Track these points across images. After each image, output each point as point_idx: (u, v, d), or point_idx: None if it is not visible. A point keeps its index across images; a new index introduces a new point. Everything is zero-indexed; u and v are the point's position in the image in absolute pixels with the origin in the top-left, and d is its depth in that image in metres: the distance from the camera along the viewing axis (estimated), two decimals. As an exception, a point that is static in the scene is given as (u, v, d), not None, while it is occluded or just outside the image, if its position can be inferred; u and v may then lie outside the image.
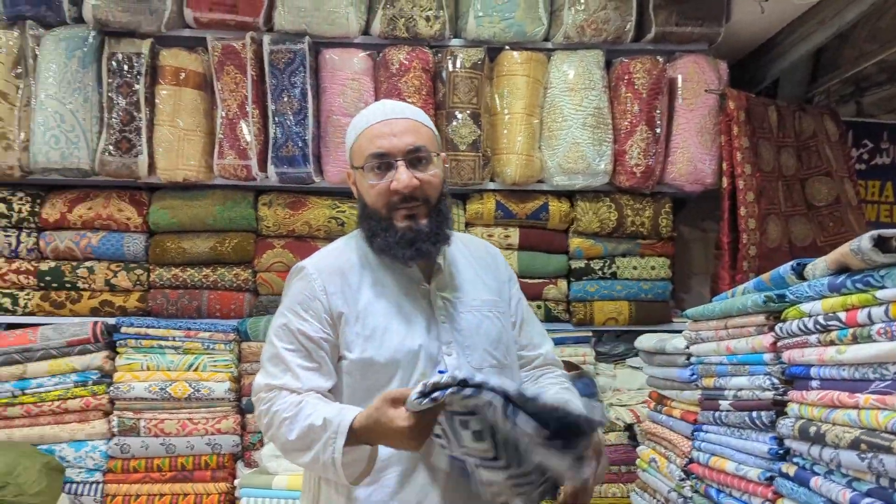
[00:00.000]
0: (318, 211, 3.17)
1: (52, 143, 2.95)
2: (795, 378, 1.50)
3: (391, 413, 1.27)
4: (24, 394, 2.89)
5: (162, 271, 3.11)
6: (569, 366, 3.02)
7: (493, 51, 3.24)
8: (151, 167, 3.05)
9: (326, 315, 1.49)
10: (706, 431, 1.83)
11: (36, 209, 3.08)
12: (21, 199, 3.08)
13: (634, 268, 3.30)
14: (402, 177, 1.47)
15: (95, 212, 3.08)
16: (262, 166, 3.09)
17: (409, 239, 1.47)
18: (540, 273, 3.28)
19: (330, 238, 3.19)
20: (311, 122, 3.07)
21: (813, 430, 1.38)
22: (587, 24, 3.17)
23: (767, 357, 1.57)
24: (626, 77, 3.20)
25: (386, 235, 1.49)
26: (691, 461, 1.88)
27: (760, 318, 1.60)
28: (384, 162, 1.48)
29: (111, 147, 3.00)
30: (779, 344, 1.54)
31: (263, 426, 1.48)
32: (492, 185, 3.27)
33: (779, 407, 1.54)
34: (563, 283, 3.30)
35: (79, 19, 3.02)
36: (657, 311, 3.30)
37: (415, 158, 1.49)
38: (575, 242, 3.30)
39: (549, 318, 3.28)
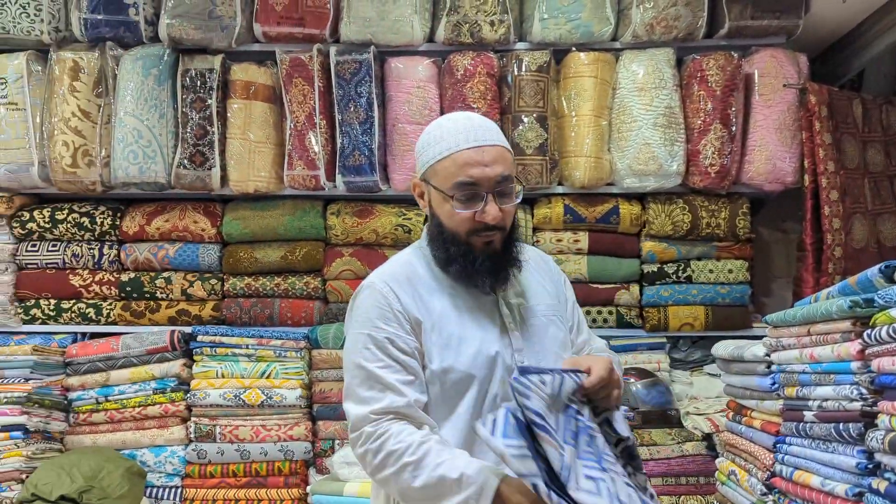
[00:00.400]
0: (385, 219, 3.20)
1: (130, 158, 3.07)
2: (886, 388, 1.41)
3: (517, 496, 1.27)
4: (107, 400, 3.02)
5: (235, 280, 3.19)
6: (642, 373, 2.95)
7: (560, 53, 3.20)
8: (224, 179, 3.14)
9: (407, 323, 1.49)
10: (789, 444, 1.74)
11: (117, 222, 3.21)
12: (103, 213, 3.22)
13: (710, 271, 3.19)
14: (492, 210, 1.47)
15: (172, 224, 3.19)
16: (330, 176, 3.13)
17: (488, 268, 1.49)
18: (611, 278, 3.22)
19: (397, 246, 3.22)
20: (378, 130, 3.10)
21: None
22: (657, 21, 3.10)
23: (855, 365, 1.48)
24: (698, 74, 3.11)
25: (465, 262, 1.49)
26: (773, 475, 1.79)
27: (846, 324, 1.51)
28: (473, 190, 1.47)
29: (186, 161, 3.10)
30: (867, 352, 1.45)
31: (371, 466, 1.43)
32: (560, 189, 3.22)
33: (868, 419, 1.45)
34: (635, 288, 3.22)
35: (155, 38, 3.14)
36: (736, 316, 3.18)
37: (502, 190, 1.49)
38: (647, 246, 3.21)
39: (621, 324, 3.20)
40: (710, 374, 3.09)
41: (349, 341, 1.53)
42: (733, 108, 3.09)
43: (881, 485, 1.39)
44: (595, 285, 3.21)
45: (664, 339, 3.20)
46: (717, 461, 2.28)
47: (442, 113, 3.16)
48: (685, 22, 3.11)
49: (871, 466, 1.44)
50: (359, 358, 1.48)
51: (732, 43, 3.16)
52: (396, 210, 3.23)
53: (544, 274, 1.66)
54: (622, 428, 1.42)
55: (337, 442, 3.02)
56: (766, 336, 1.87)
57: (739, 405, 2.05)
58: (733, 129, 3.09)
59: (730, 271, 3.19)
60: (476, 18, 3.12)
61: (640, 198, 3.25)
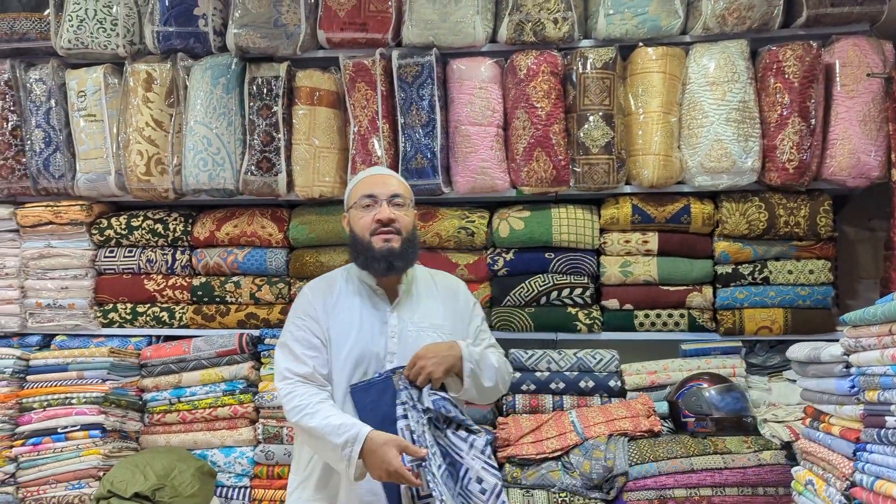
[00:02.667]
0: (448, 222, 3.21)
1: (200, 165, 3.19)
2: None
3: (391, 455, 1.79)
4: (179, 401, 3.14)
5: (302, 284, 3.26)
6: (715, 378, 2.87)
7: (626, 49, 3.16)
8: (290, 185, 3.23)
9: (317, 319, 2.09)
10: (871, 451, 1.66)
11: (188, 228, 3.34)
12: (175, 219, 3.35)
13: (790, 272, 3.08)
14: (384, 211, 2.07)
15: (241, 229, 3.30)
16: (393, 179, 3.17)
17: (384, 256, 2.05)
18: (682, 280, 3.14)
19: (460, 249, 3.24)
20: (440, 133, 3.12)
21: None
22: (728, 12, 3.02)
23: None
24: (774, 66, 3.01)
25: (367, 254, 2.07)
26: (853, 484, 1.71)
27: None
28: (372, 201, 2.08)
29: (253, 167, 3.20)
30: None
31: (286, 412, 2.02)
32: (628, 189, 3.17)
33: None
34: (708, 290, 3.14)
35: (223, 48, 3.26)
36: (818, 318, 3.06)
37: (395, 203, 2.09)
38: (721, 246, 3.13)
39: (693, 327, 3.12)
40: (789, 379, 2.97)
41: (285, 327, 2.15)
42: (812, 101, 2.98)
43: (971, 495, 1.31)
44: (665, 287, 3.15)
45: (740, 344, 3.10)
46: (793, 470, 2.19)
47: (505, 114, 3.17)
48: (759, 12, 3.02)
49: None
50: (284, 338, 2.11)
51: (811, 32, 3.05)
52: (459, 213, 3.25)
53: (446, 300, 2.20)
54: (426, 401, 1.91)
55: (401, 445, 3.04)
56: (842, 336, 1.79)
57: (817, 410, 1.96)
58: (813, 122, 2.98)
59: (811, 272, 3.07)
60: (539, 17, 3.11)
61: (713, 196, 3.17)
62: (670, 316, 3.14)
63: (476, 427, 1.95)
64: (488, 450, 1.91)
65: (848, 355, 1.76)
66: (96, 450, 2.97)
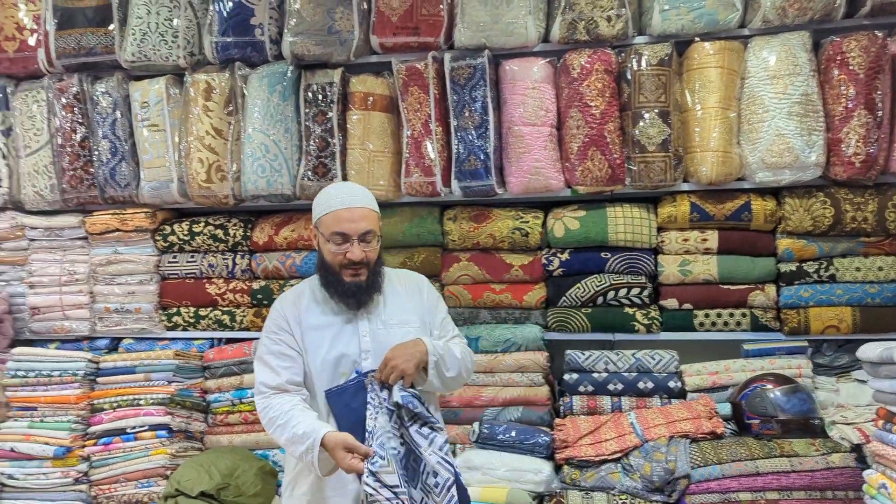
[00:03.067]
0: (502, 223, 3.22)
1: (259, 172, 3.27)
2: None
3: (339, 456, 1.95)
4: (241, 402, 3.22)
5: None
6: (780, 379, 2.81)
7: (682, 44, 3.12)
8: (345, 189, 3.27)
9: (289, 331, 2.20)
10: (947, 453, 1.61)
11: (247, 233, 3.43)
12: (235, 224, 3.45)
13: (857, 269, 2.99)
14: (356, 252, 2.15)
15: (298, 233, 3.37)
16: (447, 181, 3.20)
17: (352, 291, 2.16)
18: (743, 278, 3.09)
19: (514, 250, 3.25)
20: (493, 134, 3.13)
21: None
22: (789, 4, 2.95)
23: None
24: (838, 58, 2.93)
25: (337, 286, 2.18)
26: (930, 488, 1.66)
27: None
28: (342, 238, 2.15)
29: (309, 172, 3.27)
30: None
31: (263, 424, 2.16)
32: (685, 186, 3.13)
33: None
34: (771, 289, 3.07)
35: (279, 56, 3.34)
36: (888, 317, 2.97)
37: (364, 240, 2.16)
38: (784, 243, 3.06)
39: (755, 327, 3.06)
40: (858, 380, 2.89)
41: (260, 342, 2.26)
42: (879, 92, 2.89)
43: None
44: (726, 286, 3.10)
45: (805, 343, 3.03)
46: (864, 473, 2.13)
47: (558, 113, 3.16)
48: (821, 2, 2.94)
49: None
50: (260, 351, 2.23)
51: (876, 22, 2.96)
52: (513, 213, 3.25)
53: (411, 295, 2.31)
54: (396, 397, 2.03)
55: (458, 446, 3.06)
56: (917, 335, 1.74)
57: (889, 412, 1.91)
58: (879, 114, 2.89)
59: (880, 269, 2.98)
60: (592, 15, 3.10)
61: (775, 192, 3.10)
62: (731, 315, 3.09)
63: (439, 425, 2.11)
64: (446, 447, 2.04)
65: (922, 354, 1.71)
66: (163, 449, 3.07)
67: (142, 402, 3.12)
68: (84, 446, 3.13)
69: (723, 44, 3.03)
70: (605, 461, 2.78)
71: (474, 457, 2.87)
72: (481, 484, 2.79)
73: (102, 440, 3.11)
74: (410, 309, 2.29)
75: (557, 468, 2.86)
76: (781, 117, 2.96)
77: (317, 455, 1.98)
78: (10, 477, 3.07)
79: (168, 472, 3.04)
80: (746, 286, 3.08)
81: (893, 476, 1.86)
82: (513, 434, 2.90)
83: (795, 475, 2.57)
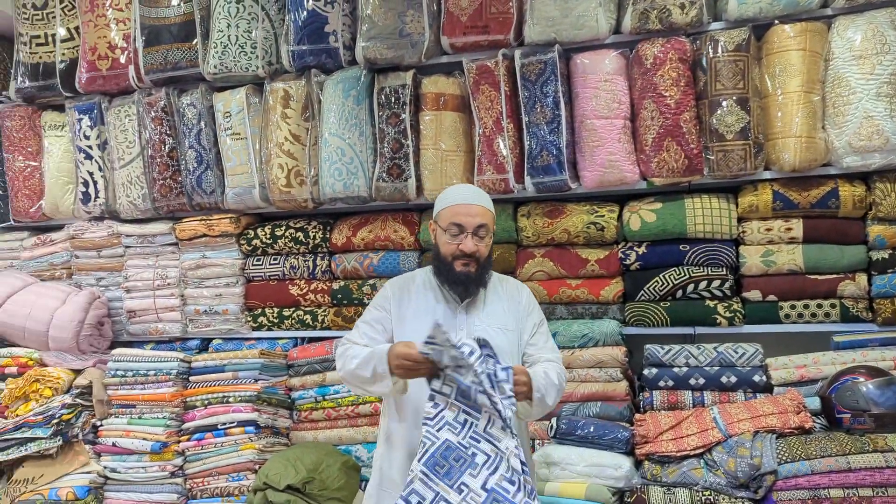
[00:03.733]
0: (577, 217, 3.25)
1: (335, 175, 3.41)
2: None
3: (401, 346, 2.13)
4: (324, 399, 3.36)
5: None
6: (874, 371, 2.72)
7: (760, 28, 3.08)
8: (419, 189, 3.38)
9: (389, 311, 2.42)
10: None
11: (327, 235, 3.57)
12: (315, 227, 3.60)
13: (956, 255, 2.87)
14: (469, 243, 2.33)
15: (375, 234, 3.49)
16: (519, 178, 3.26)
17: (462, 280, 2.35)
18: (832, 268, 3.02)
19: (590, 244, 3.28)
20: (565, 129, 3.17)
21: None
22: (875, -20, 2.87)
23: None
24: (930, 33, 2.83)
25: (448, 274, 2.37)
26: None
27: None
28: (459, 230, 2.34)
29: (384, 174, 3.38)
30: None
31: (338, 365, 2.35)
32: (767, 175, 3.09)
33: None
34: (862, 278, 2.99)
35: (352, 62, 3.48)
36: None
37: (478, 235, 2.34)
38: (875, 230, 2.98)
39: (846, 318, 2.99)
40: (959, 372, 2.77)
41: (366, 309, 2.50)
42: (976, 67, 2.77)
43: None
44: (813, 276, 3.03)
45: (901, 334, 2.92)
46: None
47: (632, 105, 3.17)
48: (908, -24, 2.85)
49: None
50: (359, 320, 2.46)
51: (968, -9, 2.84)
52: (588, 208, 3.27)
53: (511, 301, 2.46)
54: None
55: (537, 442, 3.10)
56: None
57: None
58: (977, 90, 2.77)
59: (981, 254, 2.85)
60: (664, 3, 3.09)
61: (864, 177, 3.02)
62: (819, 306, 3.02)
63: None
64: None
65: None
66: (252, 445, 3.24)
67: (231, 399, 3.30)
68: (179, 441, 3.33)
69: (804, 25, 2.97)
70: (686, 457, 2.76)
71: (553, 452, 2.90)
72: (560, 479, 2.82)
73: (195, 436, 3.31)
74: (509, 313, 2.44)
75: (637, 464, 2.86)
76: (869, 98, 2.88)
77: (385, 363, 2.15)
78: (113, 471, 3.31)
79: (256, 467, 3.20)
80: (835, 276, 3.01)
81: None
82: (591, 429, 2.92)
83: (890, 471, 2.49)
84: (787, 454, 2.62)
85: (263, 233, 3.65)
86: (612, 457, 2.85)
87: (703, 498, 2.64)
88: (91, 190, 3.86)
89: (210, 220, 3.67)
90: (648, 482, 2.76)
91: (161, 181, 3.74)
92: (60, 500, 3.20)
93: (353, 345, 2.34)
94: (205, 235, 3.68)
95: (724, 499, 2.63)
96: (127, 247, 3.84)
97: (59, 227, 4.00)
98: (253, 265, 3.69)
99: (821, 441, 2.63)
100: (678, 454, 2.77)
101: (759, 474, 2.61)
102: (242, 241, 3.69)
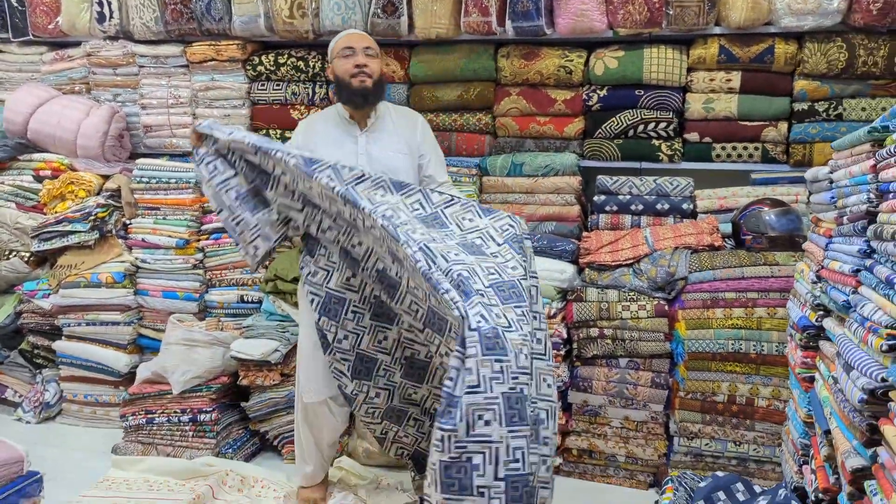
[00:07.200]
0: (549, 61, 4.00)
1: (335, 9, 4.09)
2: (885, 193, 2.08)
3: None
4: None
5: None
6: (775, 203, 3.60)
7: None
8: (410, 26, 4.08)
9: (304, 140, 3.17)
10: (833, 242, 2.45)
11: (324, 66, 4.29)
12: (314, 57, 4.32)
13: (863, 109, 3.69)
14: (360, 58, 3.09)
15: (369, 66, 4.22)
16: (501, 21, 3.96)
17: (360, 93, 3.09)
18: (760, 115, 3.82)
19: (559, 86, 4.04)
20: (543, -23, 3.83)
21: (884, 230, 1.99)
22: None
23: (869, 177, 2.15)
24: None
25: (348, 90, 3.09)
26: (822, 268, 2.52)
27: (866, 147, 2.17)
28: (350, 51, 3.10)
29: (379, 10, 4.06)
30: (878, 166, 2.11)
31: None
32: (717, 30, 3.81)
33: (872, 216, 2.13)
34: (783, 126, 3.81)
35: None
36: (884, 154, 3.67)
37: (367, 53, 3.11)
38: (800, 85, 3.75)
39: (765, 159, 3.85)
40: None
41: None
42: (900, -57, 3.44)
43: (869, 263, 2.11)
44: (743, 122, 3.84)
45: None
46: (797, 264, 2.99)
47: (606, -43, 3.84)
48: None
49: (867, 251, 2.14)
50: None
51: None
52: (560, 52, 4.01)
53: (406, 128, 3.22)
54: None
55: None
56: (830, 159, 2.53)
57: (818, 218, 2.72)
58: (898, -35, 3.45)
59: (883, 109, 3.65)
60: None
61: (798, 37, 3.75)
62: (745, 148, 3.86)
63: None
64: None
65: (832, 173, 2.50)
66: (262, 244, 4.14)
67: (242, 206, 4.17)
68: (199, 240, 4.24)
69: None
70: (619, 266, 3.71)
71: (512, 259, 3.83)
72: (516, 279, 3.77)
73: (213, 236, 4.21)
74: (403, 139, 3.20)
75: (580, 271, 3.81)
76: (812, -36, 3.55)
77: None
78: (144, 261, 4.23)
79: (267, 262, 4.13)
80: (761, 123, 3.82)
81: (808, 262, 2.72)
82: (545, 242, 3.84)
83: (773, 279, 3.44)
84: (696, 265, 3.56)
85: (267, 60, 4.36)
86: (560, 264, 3.78)
87: (628, 297, 3.60)
88: (106, 10, 4.50)
89: (218, 45, 4.37)
90: (587, 284, 3.71)
91: (172, 6, 4.38)
92: (101, 282, 4.15)
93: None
94: (213, 59, 4.39)
95: (644, 298, 3.59)
96: (141, 66, 4.56)
97: (76, 44, 4.69)
98: (258, 89, 4.43)
99: (725, 256, 3.56)
100: (613, 264, 3.72)
101: (674, 280, 3.56)
102: (248, 67, 4.41)
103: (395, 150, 3.17)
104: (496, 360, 2.21)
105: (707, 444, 3.48)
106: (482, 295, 2.34)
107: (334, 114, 3.23)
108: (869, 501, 1.80)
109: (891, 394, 1.75)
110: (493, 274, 2.46)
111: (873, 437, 1.84)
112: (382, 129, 3.19)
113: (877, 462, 1.79)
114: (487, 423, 2.19)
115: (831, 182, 2.53)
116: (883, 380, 1.80)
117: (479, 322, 2.24)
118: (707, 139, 3.91)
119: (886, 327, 1.83)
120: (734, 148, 3.88)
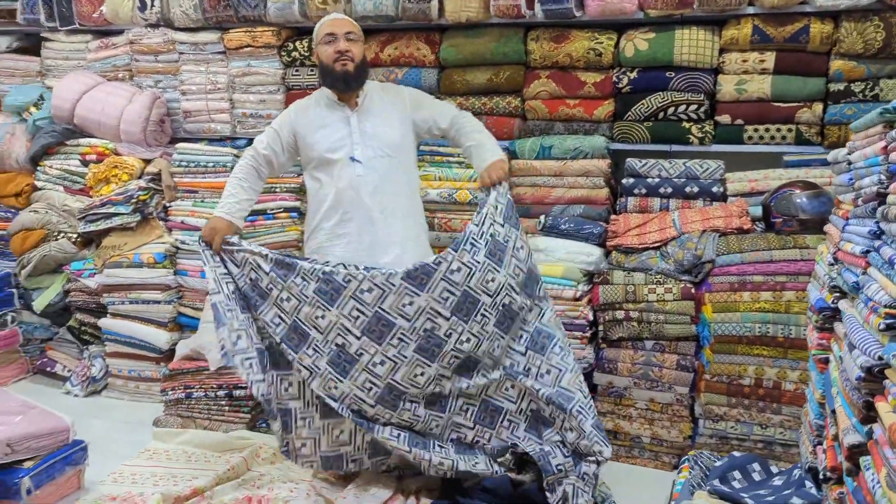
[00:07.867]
0: (579, 43, 4.04)
1: (367, -5, 4.20)
2: (895, 175, 2.10)
3: (218, 223, 3.27)
4: (355, 192, 4.36)
5: (450, 100, 4.28)
6: (807, 185, 3.61)
7: None
8: (441, 10, 4.17)
9: (282, 129, 3.41)
10: (849, 224, 2.48)
11: (358, 50, 4.40)
12: (348, 42, 4.42)
13: (900, 89, 3.65)
14: (342, 43, 3.28)
15: (400, 51, 4.33)
16: (530, 4, 4.02)
17: (343, 77, 3.30)
18: (794, 97, 3.81)
19: (589, 68, 4.09)
20: (573, -40, 3.88)
21: (891, 212, 2.03)
22: None
23: (880, 158, 2.18)
24: None
25: (332, 75, 3.30)
26: (838, 250, 2.54)
27: (879, 128, 2.19)
28: (332, 37, 3.29)
29: (411, -5, 4.16)
30: (888, 147, 2.14)
31: (241, 157, 3.53)
32: (750, 10, 3.80)
33: (882, 198, 2.16)
34: (818, 107, 3.79)
35: None
36: (921, 135, 3.64)
37: (349, 38, 3.29)
38: (836, 65, 3.73)
39: (799, 140, 3.84)
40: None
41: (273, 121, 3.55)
42: (939, -82, 3.40)
43: (877, 244, 2.14)
44: (777, 104, 3.83)
45: (840, 157, 3.77)
46: (818, 246, 3.01)
47: (638, -63, 3.87)
48: None
49: (877, 232, 2.17)
50: (268, 126, 3.46)
51: None
52: (589, 34, 4.06)
53: (394, 102, 3.42)
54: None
55: (529, 235, 4.09)
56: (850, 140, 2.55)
57: (839, 200, 2.74)
58: (937, -60, 3.41)
59: (921, 89, 3.62)
60: None
61: (834, 16, 3.72)
62: (778, 130, 3.85)
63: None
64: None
65: (850, 154, 2.52)
66: (295, 227, 4.31)
67: (277, 189, 4.33)
68: (235, 222, 4.40)
69: None
70: (646, 248, 3.76)
71: (540, 242, 3.91)
72: (543, 263, 3.84)
73: (249, 218, 4.32)
74: (394, 113, 3.40)
75: (607, 254, 3.86)
76: (849, -58, 3.53)
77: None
78: (183, 242, 4.42)
79: (299, 245, 4.28)
80: (796, 104, 3.81)
81: (828, 244, 2.75)
82: (572, 225, 3.91)
83: (802, 262, 3.45)
84: (724, 248, 3.59)
85: (301, 45, 4.50)
86: (587, 247, 3.85)
87: (655, 280, 3.65)
88: (147, -1, 4.70)
89: (254, 31, 4.52)
90: (613, 267, 3.77)
91: (210, -6, 4.55)
92: (143, 262, 4.35)
93: (250, 160, 3.41)
94: (249, 46, 4.55)
95: (670, 280, 3.63)
96: (181, 53, 4.73)
97: (120, 32, 4.89)
98: (292, 75, 4.57)
99: (754, 239, 3.59)
100: (640, 247, 3.77)
101: (701, 262, 3.60)
102: (283, 53, 4.55)
103: (388, 125, 3.38)
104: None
105: (732, 427, 3.52)
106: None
107: (324, 97, 3.42)
108: (863, 477, 1.85)
109: (887, 371, 1.80)
110: (523, 335, 3.16)
111: (870, 414, 1.88)
112: (371, 106, 3.40)
113: (872, 438, 1.84)
114: None
115: (849, 164, 2.55)
116: (880, 358, 1.84)
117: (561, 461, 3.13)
118: (739, 121, 3.92)
119: (886, 307, 1.87)
120: (767, 130, 3.88)
